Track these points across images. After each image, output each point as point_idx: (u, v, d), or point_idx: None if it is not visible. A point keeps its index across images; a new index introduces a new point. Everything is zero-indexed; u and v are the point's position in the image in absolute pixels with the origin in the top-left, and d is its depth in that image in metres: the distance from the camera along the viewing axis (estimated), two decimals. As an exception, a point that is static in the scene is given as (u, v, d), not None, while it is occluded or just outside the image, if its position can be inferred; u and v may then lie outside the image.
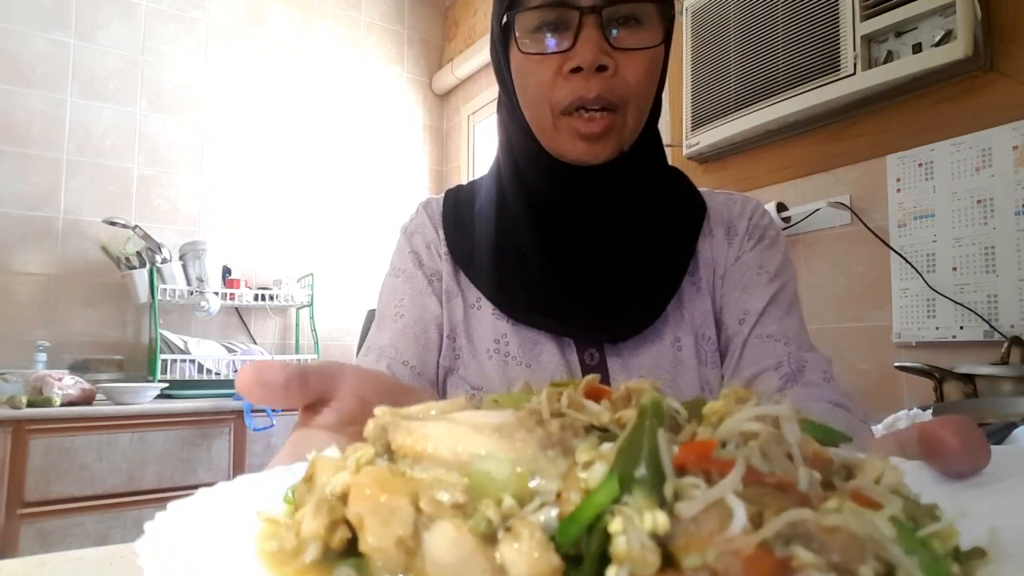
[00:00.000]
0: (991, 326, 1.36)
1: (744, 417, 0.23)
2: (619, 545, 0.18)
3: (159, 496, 2.11)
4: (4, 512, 1.91)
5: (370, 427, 0.25)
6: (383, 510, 0.20)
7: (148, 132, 2.77)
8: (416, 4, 3.57)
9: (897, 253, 1.53)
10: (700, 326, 0.68)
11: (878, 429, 1.16)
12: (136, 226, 2.54)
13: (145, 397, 2.22)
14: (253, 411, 2.31)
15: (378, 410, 0.26)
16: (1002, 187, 1.37)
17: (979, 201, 1.41)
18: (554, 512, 0.20)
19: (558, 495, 0.20)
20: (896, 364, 1.41)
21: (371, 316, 2.17)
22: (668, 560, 0.18)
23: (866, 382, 1.57)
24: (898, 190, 1.54)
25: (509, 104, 0.69)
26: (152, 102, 2.78)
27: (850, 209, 1.62)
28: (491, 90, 3.19)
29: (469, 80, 3.41)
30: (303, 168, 3.14)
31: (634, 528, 0.18)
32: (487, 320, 0.70)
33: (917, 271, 1.48)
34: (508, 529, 0.20)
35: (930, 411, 1.18)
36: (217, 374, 2.62)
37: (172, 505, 0.23)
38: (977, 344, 1.39)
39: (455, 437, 0.23)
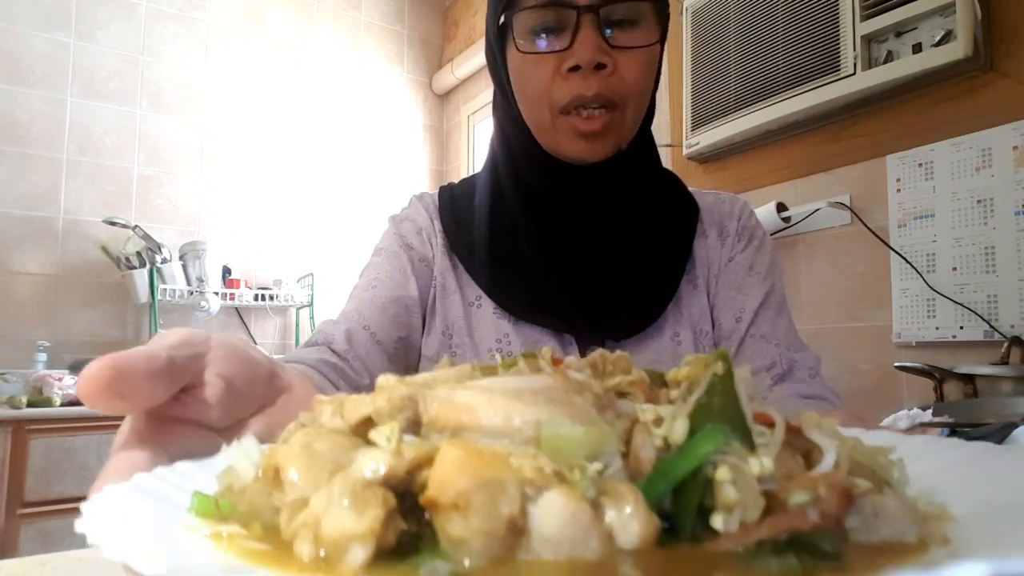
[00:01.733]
0: (991, 326, 1.36)
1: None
2: (728, 493, 0.18)
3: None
4: (4, 512, 1.91)
5: (379, 401, 0.23)
6: (491, 486, 0.18)
7: (148, 132, 2.77)
8: (416, 4, 3.57)
9: (897, 253, 1.53)
10: (698, 321, 0.70)
11: (878, 429, 1.16)
12: (136, 226, 2.54)
13: (145, 397, 2.22)
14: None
15: (383, 379, 0.24)
16: (1002, 187, 1.37)
17: (979, 201, 1.40)
18: (623, 473, 0.20)
19: (624, 455, 0.20)
20: (896, 364, 1.41)
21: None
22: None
23: (866, 382, 1.57)
24: (898, 190, 1.54)
25: (505, 104, 0.69)
26: (152, 102, 2.78)
27: (850, 209, 1.62)
28: (491, 90, 3.18)
29: (469, 80, 3.41)
30: (303, 168, 3.14)
31: (743, 475, 0.18)
32: (488, 319, 0.70)
33: (917, 271, 1.48)
34: (601, 494, 0.18)
35: (930, 411, 1.18)
36: (217, 374, 2.62)
37: (108, 488, 0.21)
38: (977, 344, 1.39)
39: (501, 405, 0.21)
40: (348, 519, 0.18)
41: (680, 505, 0.19)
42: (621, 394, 0.25)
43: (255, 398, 0.31)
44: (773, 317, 0.69)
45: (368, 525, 0.17)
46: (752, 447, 0.20)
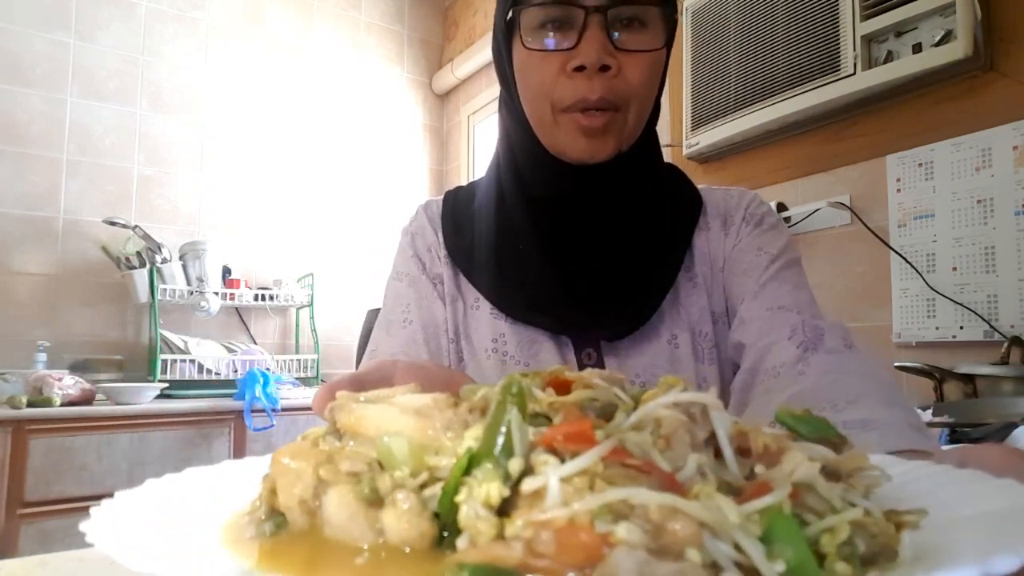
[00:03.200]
0: (991, 326, 1.36)
1: (659, 404, 0.24)
2: (461, 513, 0.20)
3: (159, 496, 2.10)
4: (4, 512, 1.91)
5: (326, 408, 0.28)
6: (290, 474, 0.24)
7: (148, 132, 2.77)
8: (416, 4, 3.57)
9: (897, 253, 1.53)
10: (697, 323, 0.68)
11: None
12: (136, 226, 2.54)
13: (145, 397, 2.22)
14: (253, 411, 2.31)
15: (339, 394, 0.28)
16: (1002, 187, 1.37)
17: (979, 201, 1.40)
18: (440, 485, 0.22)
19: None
20: (896, 364, 1.40)
21: (371, 316, 2.17)
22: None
23: (866, 382, 1.57)
24: (898, 190, 1.54)
25: (509, 101, 0.69)
26: (152, 102, 2.78)
27: (850, 209, 1.62)
28: (491, 90, 3.19)
29: (469, 80, 3.40)
30: (303, 168, 3.14)
31: (472, 499, 0.20)
32: (485, 320, 0.70)
33: (917, 271, 1.48)
34: (389, 496, 0.22)
35: (930, 411, 1.18)
36: (217, 374, 2.62)
37: (119, 493, 0.26)
38: (977, 344, 1.39)
39: (384, 418, 0.25)
40: (261, 489, 0.25)
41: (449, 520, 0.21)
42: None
43: None
44: (792, 290, 0.65)
45: (261, 494, 0.25)
46: (506, 474, 0.21)
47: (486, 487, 0.20)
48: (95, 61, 2.67)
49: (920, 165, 1.50)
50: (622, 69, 0.60)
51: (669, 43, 0.64)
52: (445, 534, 0.21)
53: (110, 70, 2.70)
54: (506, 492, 0.20)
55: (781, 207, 1.73)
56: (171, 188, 2.80)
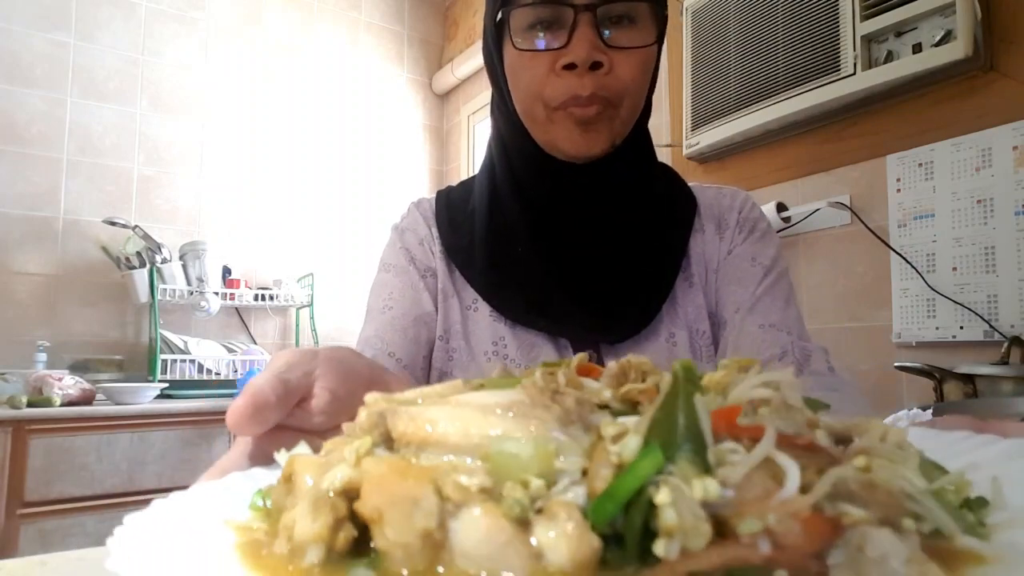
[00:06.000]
0: (991, 326, 1.36)
1: (752, 384, 0.23)
2: (668, 517, 0.17)
3: (159, 496, 2.10)
4: (4, 512, 1.91)
5: (361, 417, 0.24)
6: (404, 501, 0.19)
7: (148, 132, 2.77)
8: (416, 4, 3.57)
9: (897, 253, 1.53)
10: (693, 321, 0.69)
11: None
12: (136, 226, 2.54)
13: (145, 397, 2.22)
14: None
15: (370, 397, 0.25)
16: (1002, 187, 1.37)
17: (979, 201, 1.40)
18: (582, 491, 0.19)
19: (584, 472, 0.20)
20: (896, 364, 1.40)
21: (371, 316, 2.16)
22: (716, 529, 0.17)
23: (866, 382, 1.57)
24: (898, 190, 1.54)
25: (501, 102, 0.70)
26: (152, 102, 2.78)
27: (850, 209, 1.62)
28: (491, 90, 3.18)
29: (469, 80, 3.41)
30: (303, 168, 3.14)
31: (684, 498, 0.17)
32: (485, 322, 0.69)
33: (917, 271, 1.48)
34: (539, 511, 0.18)
35: (930, 411, 1.18)
36: (217, 374, 2.62)
37: (128, 518, 0.22)
38: (977, 344, 1.39)
39: (465, 419, 0.21)
40: (306, 524, 0.20)
41: (626, 528, 0.18)
42: (635, 403, 0.24)
43: (357, 403, 0.33)
44: (782, 307, 0.67)
45: (318, 531, 0.19)
46: (706, 467, 0.18)
47: (700, 484, 0.17)
48: (95, 61, 2.67)
49: (920, 165, 1.50)
50: (613, 66, 0.61)
51: (660, 39, 0.64)
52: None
53: (110, 70, 2.70)
54: (718, 488, 0.18)
55: (781, 207, 1.73)
56: (171, 188, 2.80)
